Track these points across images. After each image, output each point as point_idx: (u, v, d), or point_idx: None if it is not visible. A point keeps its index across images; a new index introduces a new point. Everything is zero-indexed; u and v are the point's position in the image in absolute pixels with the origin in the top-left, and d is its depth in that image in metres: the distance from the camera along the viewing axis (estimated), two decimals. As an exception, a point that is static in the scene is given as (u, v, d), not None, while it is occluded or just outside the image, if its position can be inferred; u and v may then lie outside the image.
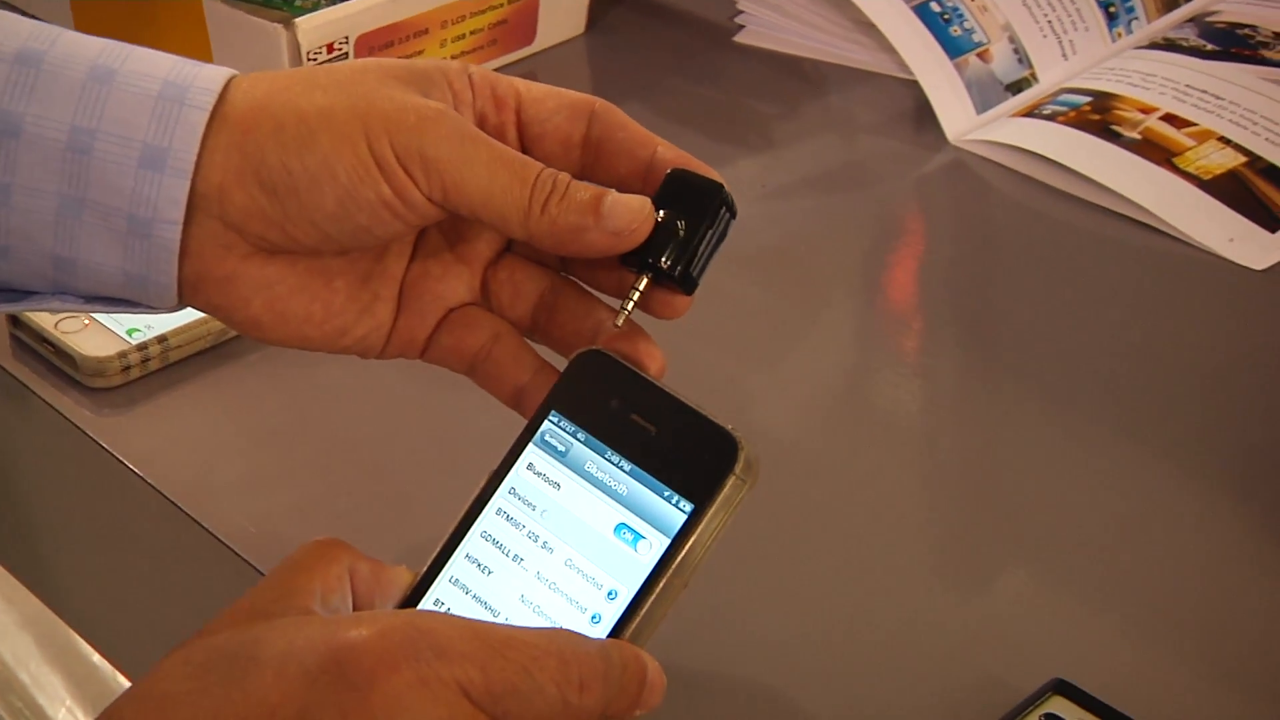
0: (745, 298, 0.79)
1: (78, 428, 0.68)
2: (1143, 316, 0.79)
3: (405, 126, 0.49)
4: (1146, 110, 0.90)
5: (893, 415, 0.72)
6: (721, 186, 0.52)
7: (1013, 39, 0.96)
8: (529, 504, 0.50)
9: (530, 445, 0.51)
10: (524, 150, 0.53)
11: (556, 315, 0.54)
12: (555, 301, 0.54)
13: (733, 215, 0.52)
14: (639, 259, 0.51)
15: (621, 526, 0.49)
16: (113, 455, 0.66)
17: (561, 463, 0.50)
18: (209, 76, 0.50)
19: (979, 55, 0.95)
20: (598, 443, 0.50)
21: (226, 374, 0.71)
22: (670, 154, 0.53)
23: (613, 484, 0.49)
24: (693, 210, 0.51)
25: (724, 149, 0.91)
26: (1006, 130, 0.91)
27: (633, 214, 0.50)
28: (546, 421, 0.51)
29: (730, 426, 0.49)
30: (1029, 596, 0.62)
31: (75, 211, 0.49)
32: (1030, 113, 0.92)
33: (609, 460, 0.50)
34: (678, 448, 0.49)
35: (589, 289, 0.54)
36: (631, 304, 0.51)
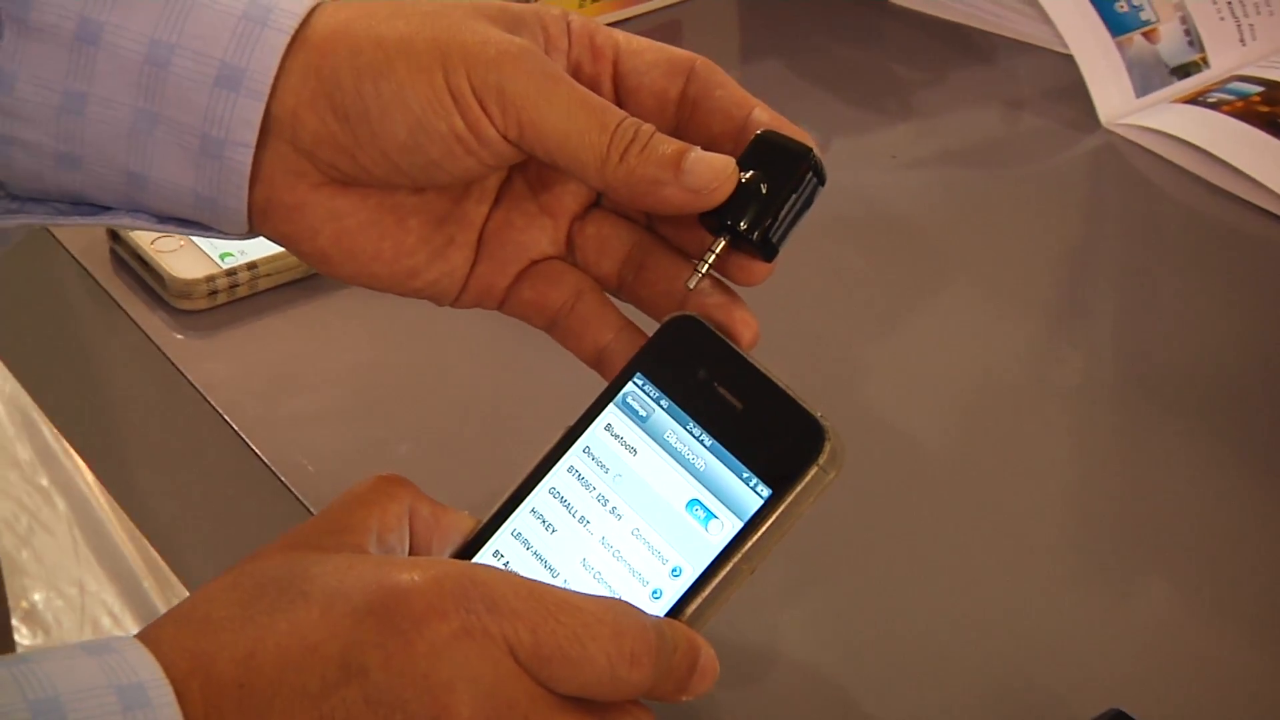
0: (859, 267, 0.76)
1: (158, 348, 0.68)
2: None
3: (484, 60, 0.47)
4: (1322, 105, 0.84)
5: (1003, 408, 0.68)
6: (810, 151, 0.49)
7: (1185, 19, 0.90)
8: (603, 466, 0.49)
9: (611, 406, 0.49)
10: (619, 103, 0.51)
11: (643, 274, 0.52)
12: (643, 259, 0.52)
13: (821, 182, 0.50)
14: (718, 220, 0.49)
15: (695, 503, 0.48)
16: (186, 378, 0.66)
17: (641, 428, 0.49)
18: None
19: (1145, 34, 0.89)
20: (680, 412, 0.49)
21: (311, 308, 0.70)
22: (766, 116, 0.50)
23: (691, 457, 0.48)
24: (778, 174, 0.49)
25: (859, 113, 0.88)
26: (1165, 117, 0.85)
27: (714, 172, 0.48)
28: (630, 384, 0.49)
29: (819, 414, 0.47)
30: (1108, 619, 0.58)
31: (149, 126, 0.49)
32: (1194, 99, 0.86)
33: (690, 432, 0.48)
34: (762, 428, 0.48)
35: (679, 249, 0.52)
36: (707, 266, 0.49)
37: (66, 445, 0.66)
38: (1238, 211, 0.80)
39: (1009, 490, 0.64)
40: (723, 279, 0.50)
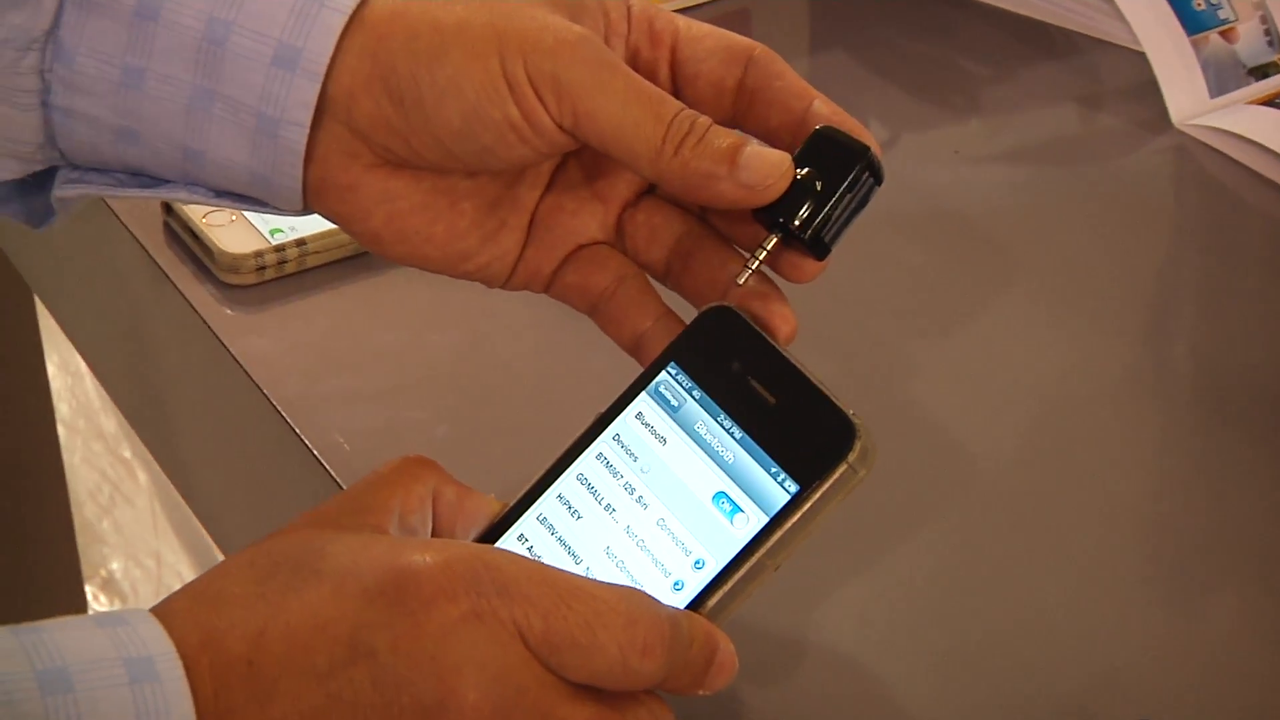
0: (916, 264, 0.75)
1: (204, 321, 0.68)
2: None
3: (541, 47, 0.47)
4: (1403, 111, 0.81)
5: (1062, 417, 0.66)
6: (868, 149, 0.49)
7: (1265, 19, 0.88)
8: (631, 454, 0.49)
9: (643, 394, 0.49)
10: (675, 91, 0.51)
11: (692, 263, 0.52)
12: (692, 249, 0.52)
13: (878, 181, 0.49)
14: (770, 216, 0.49)
15: (721, 495, 0.47)
16: (229, 352, 0.67)
17: (672, 418, 0.49)
18: None
19: (1222, 33, 0.87)
20: (712, 404, 0.48)
21: (357, 287, 0.70)
22: (826, 109, 0.50)
23: (720, 449, 0.48)
24: (834, 172, 0.49)
25: (922, 107, 0.86)
26: (1239, 118, 0.83)
27: (770, 168, 0.48)
28: (664, 373, 0.49)
29: (851, 411, 0.47)
30: (1169, 636, 0.57)
31: (206, 103, 0.49)
32: (1271, 101, 0.84)
33: (720, 424, 0.48)
34: (793, 423, 0.47)
35: (729, 240, 0.52)
36: (757, 263, 0.49)
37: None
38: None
39: (1060, 499, 0.62)
40: (770, 273, 0.50)
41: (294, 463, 0.62)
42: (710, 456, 0.48)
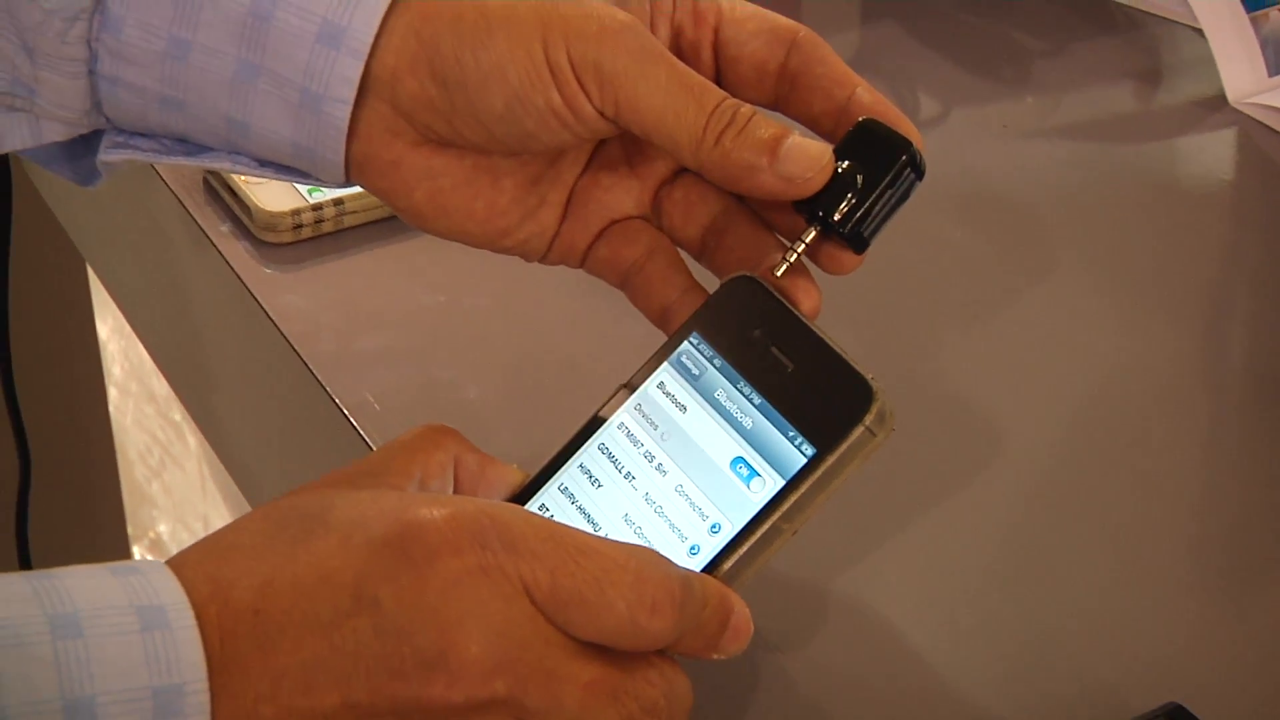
0: (959, 241, 0.73)
1: (239, 278, 0.68)
2: None
3: (585, 35, 0.47)
4: None
5: (1108, 403, 0.65)
6: (910, 144, 0.49)
7: (1329, -3, 0.86)
8: (652, 423, 0.49)
9: (665, 364, 0.50)
10: (717, 72, 0.51)
11: (725, 240, 0.52)
12: (727, 227, 0.52)
13: (919, 176, 0.49)
14: (810, 208, 0.49)
15: (739, 460, 0.47)
16: (264, 310, 0.66)
17: (693, 386, 0.49)
18: None
19: (1283, 11, 0.85)
20: (732, 371, 0.48)
21: (393, 248, 0.70)
22: (869, 97, 0.50)
23: (739, 415, 0.48)
24: (875, 166, 0.48)
25: (973, 81, 0.85)
26: (1297, 97, 0.81)
27: (810, 160, 0.48)
28: (686, 343, 0.50)
29: (870, 375, 0.46)
30: (1185, 613, 0.56)
31: (251, 76, 0.50)
32: (1331, 81, 0.82)
33: (739, 390, 0.48)
34: (811, 388, 0.47)
35: (765, 221, 0.52)
36: (795, 254, 0.49)
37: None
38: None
39: (1102, 484, 0.61)
40: (807, 262, 0.50)
41: (324, 421, 0.62)
42: (729, 422, 0.48)
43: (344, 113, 0.49)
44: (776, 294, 0.49)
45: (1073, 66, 0.87)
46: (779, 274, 0.49)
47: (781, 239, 0.51)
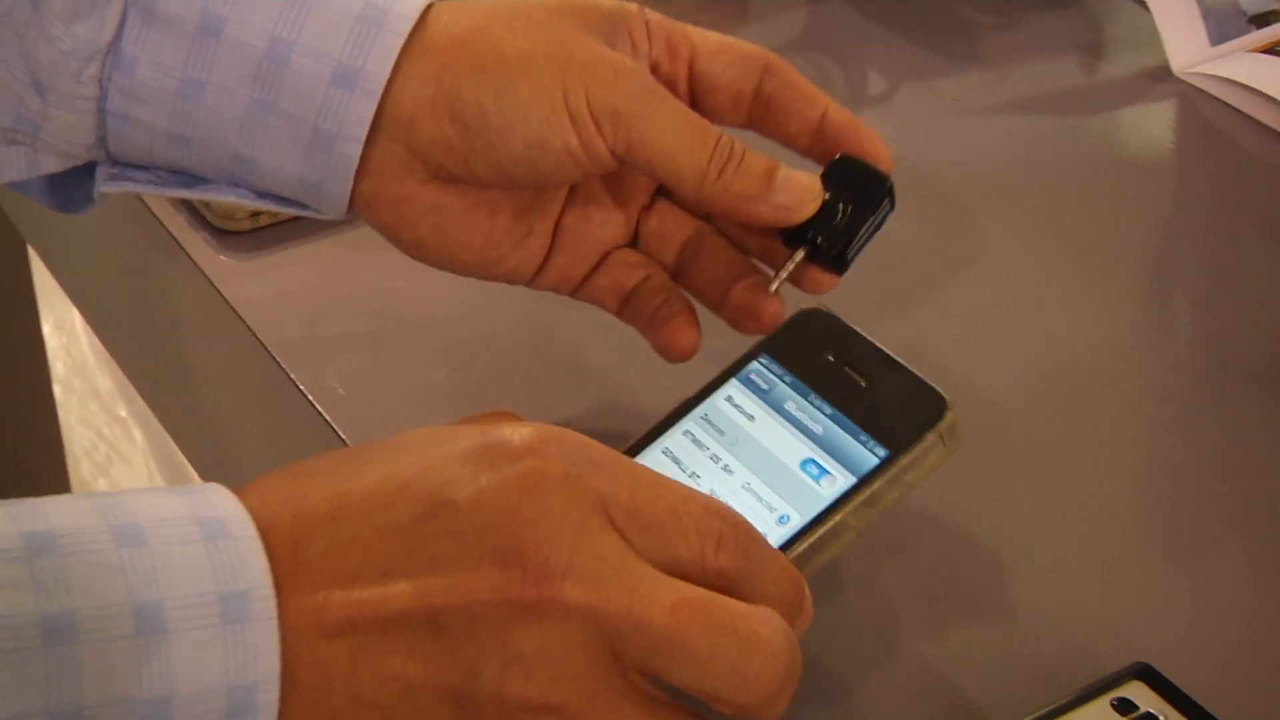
0: (909, 215, 0.74)
1: (198, 267, 0.68)
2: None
3: (602, 80, 0.51)
4: (1406, 59, 0.81)
5: (1068, 371, 0.66)
6: (887, 179, 0.53)
7: (1267, -33, 0.87)
8: (718, 430, 0.51)
9: (733, 380, 0.52)
10: (694, 101, 0.55)
11: (699, 261, 0.56)
12: (700, 249, 0.56)
13: (893, 208, 0.54)
14: (799, 234, 0.53)
15: (809, 461, 0.50)
16: (224, 299, 0.66)
17: (762, 399, 0.51)
18: (409, 2, 0.52)
19: (1224, -19, 0.86)
20: (803, 386, 0.51)
21: (353, 234, 0.70)
22: (840, 117, 0.54)
23: (809, 423, 0.50)
24: (857, 197, 0.53)
25: (925, 56, 0.86)
26: (1240, 66, 0.82)
27: (803, 191, 0.52)
28: (755, 362, 0.53)
29: (944, 391, 0.50)
30: (1149, 574, 0.57)
31: (263, 115, 0.52)
32: (1271, 49, 0.83)
33: (810, 402, 0.51)
34: (885, 400, 0.50)
35: (732, 240, 0.57)
36: (786, 273, 0.53)
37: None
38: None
39: (1062, 448, 0.62)
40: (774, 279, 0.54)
41: (289, 408, 0.62)
42: (800, 429, 0.50)
43: (356, 150, 0.51)
44: (847, 323, 0.52)
45: (1021, 41, 0.88)
46: (772, 289, 0.54)
47: (755, 261, 0.56)
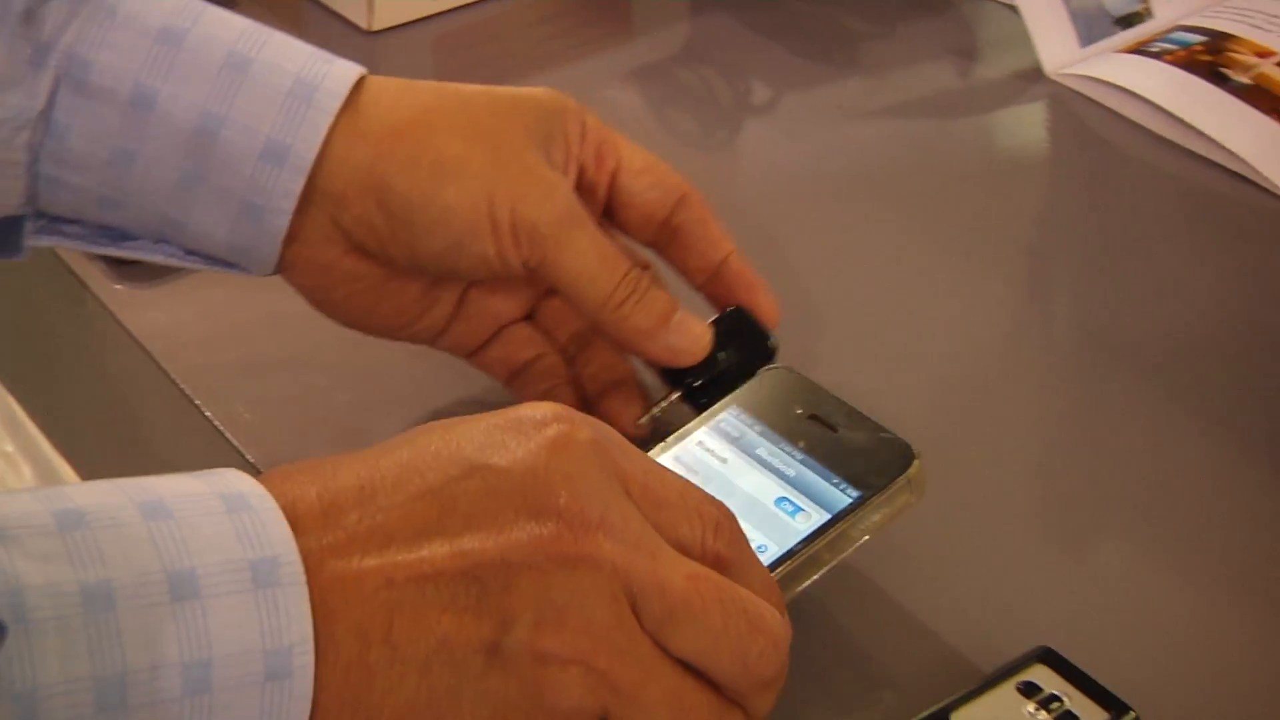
0: (795, 220, 0.76)
1: (95, 297, 0.67)
2: (1242, 282, 0.74)
3: (529, 198, 0.53)
4: (1264, 54, 0.84)
5: (948, 361, 0.68)
6: (773, 341, 0.57)
7: (1130, -30, 0.90)
8: (691, 470, 0.52)
9: (703, 428, 0.54)
10: (610, 210, 0.58)
11: (585, 352, 0.59)
12: (589, 341, 0.59)
13: (772, 362, 0.56)
14: (678, 375, 0.56)
15: (783, 499, 0.51)
16: (124, 328, 0.66)
17: (734, 445, 0.53)
18: (338, 77, 0.53)
19: (1090, -16, 0.89)
20: (774, 434, 0.53)
21: (251, 256, 0.70)
22: (738, 266, 0.58)
23: (782, 466, 0.52)
24: (740, 353, 0.56)
25: (807, 65, 0.87)
26: (1108, 66, 0.85)
27: (694, 339, 0.56)
28: (725, 413, 0.54)
29: (910, 441, 0.52)
30: (1044, 561, 0.59)
31: (193, 184, 0.53)
32: (1137, 49, 0.86)
33: (781, 449, 0.52)
34: (854, 449, 0.52)
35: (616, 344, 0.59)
36: (658, 410, 0.57)
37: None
38: (1179, 160, 0.81)
39: (955, 443, 0.63)
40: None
41: (195, 435, 0.62)
42: (772, 472, 0.52)
43: (284, 221, 0.53)
44: (811, 380, 0.54)
45: (899, 48, 0.90)
46: (642, 422, 0.57)
47: (632, 363, 0.59)
